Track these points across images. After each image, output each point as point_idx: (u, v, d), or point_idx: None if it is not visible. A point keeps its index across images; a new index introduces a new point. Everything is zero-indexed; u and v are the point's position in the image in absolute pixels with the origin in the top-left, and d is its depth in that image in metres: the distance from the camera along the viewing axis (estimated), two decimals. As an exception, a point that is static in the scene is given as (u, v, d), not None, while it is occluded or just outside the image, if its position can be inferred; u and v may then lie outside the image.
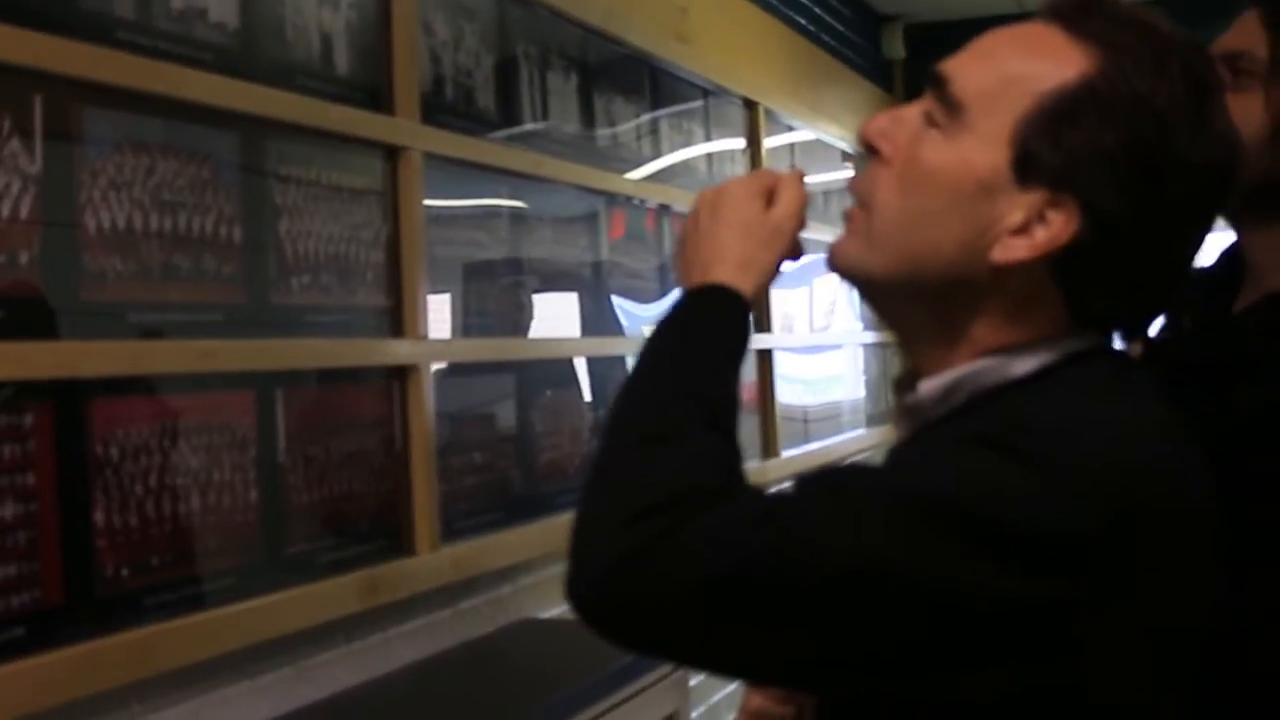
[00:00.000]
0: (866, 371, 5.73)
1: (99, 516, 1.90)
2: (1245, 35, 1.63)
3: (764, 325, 4.42)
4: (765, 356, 4.43)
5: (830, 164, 5.38)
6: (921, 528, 1.00)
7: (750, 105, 4.42)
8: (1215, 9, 1.75)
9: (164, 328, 2.03)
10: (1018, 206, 1.11)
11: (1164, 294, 1.21)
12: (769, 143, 4.52)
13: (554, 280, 3.23)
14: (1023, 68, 1.13)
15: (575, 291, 3.34)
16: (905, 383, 1.25)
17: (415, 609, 2.59)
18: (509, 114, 3.00)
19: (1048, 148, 1.11)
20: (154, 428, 2.00)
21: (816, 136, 5.14)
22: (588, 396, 3.27)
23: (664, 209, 3.78)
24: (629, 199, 3.58)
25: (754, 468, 4.25)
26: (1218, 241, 1.77)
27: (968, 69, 1.16)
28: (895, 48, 6.31)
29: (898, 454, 1.15)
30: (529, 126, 3.08)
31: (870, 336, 5.69)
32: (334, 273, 2.39)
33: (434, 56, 2.73)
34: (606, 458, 1.11)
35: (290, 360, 2.25)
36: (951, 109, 1.14)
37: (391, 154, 2.54)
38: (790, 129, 4.87)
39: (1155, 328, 1.82)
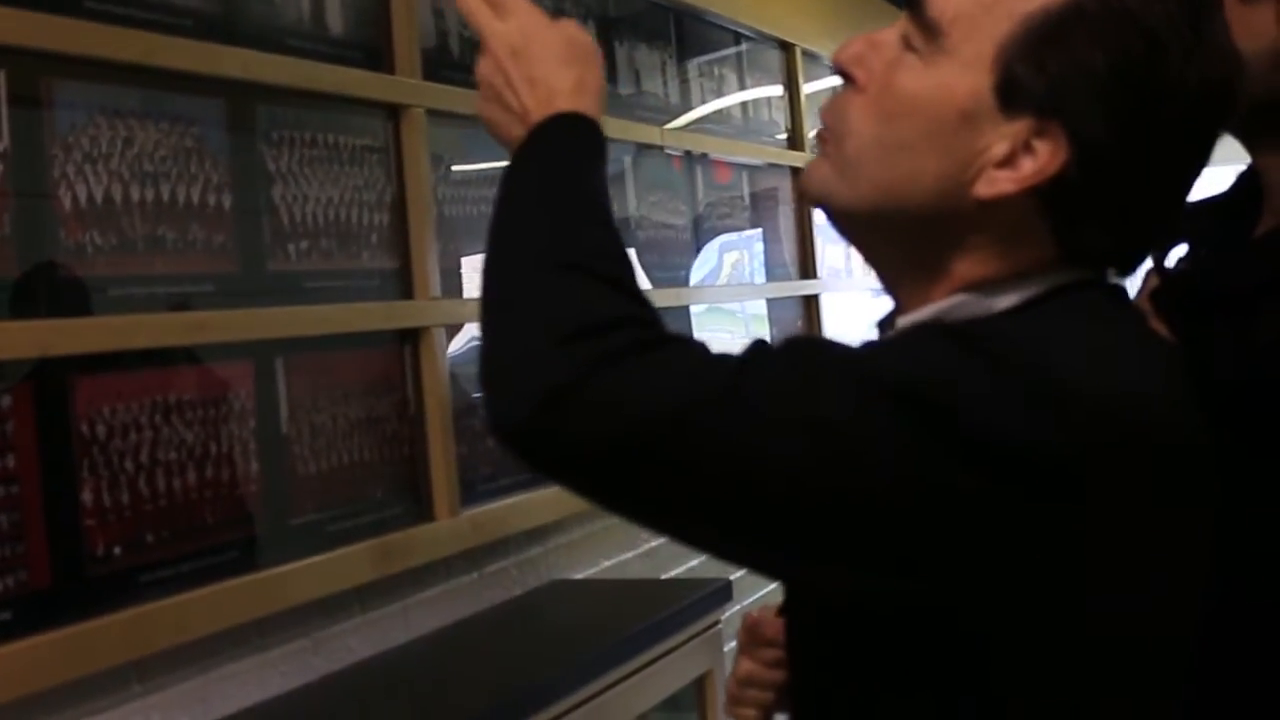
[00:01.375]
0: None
1: (87, 496, 1.87)
2: None
3: (810, 271, 4.34)
4: (812, 302, 4.34)
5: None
6: (879, 404, 0.94)
7: (786, 48, 4.32)
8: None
9: (150, 301, 1.99)
10: (1002, 136, 1.03)
11: (1161, 225, 1.13)
12: (809, 88, 4.42)
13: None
14: None
15: (628, 247, 3.27)
16: (886, 324, 1.18)
17: (436, 575, 2.56)
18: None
19: (1032, 72, 1.02)
20: (143, 403, 1.97)
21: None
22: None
23: (694, 158, 3.70)
24: (661, 149, 3.51)
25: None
26: (1232, 168, 1.69)
27: None
28: (944, -19, 6.15)
29: (868, 344, 1.07)
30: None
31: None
32: (335, 237, 2.34)
33: (436, 11, 2.67)
34: (513, 286, 1.06)
35: (288, 328, 2.21)
36: (929, 32, 1.06)
37: (393, 113, 2.49)
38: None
39: (1173, 259, 1.74)
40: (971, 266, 1.08)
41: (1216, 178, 1.71)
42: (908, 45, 1.08)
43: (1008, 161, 1.04)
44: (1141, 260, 1.16)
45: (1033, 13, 1.02)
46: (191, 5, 2.10)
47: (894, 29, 1.10)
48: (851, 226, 1.15)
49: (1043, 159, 1.02)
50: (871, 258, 1.16)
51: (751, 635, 1.39)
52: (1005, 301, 1.06)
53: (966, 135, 1.04)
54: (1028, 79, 1.03)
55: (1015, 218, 1.05)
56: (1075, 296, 1.07)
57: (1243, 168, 1.66)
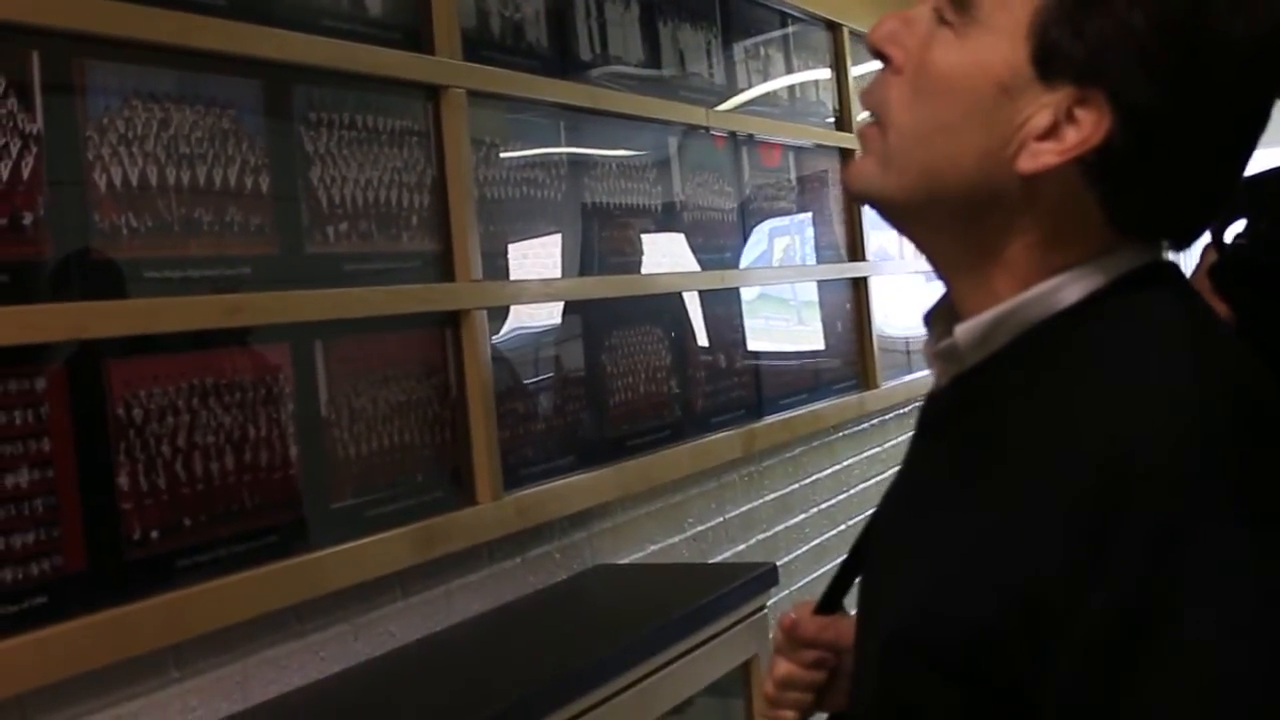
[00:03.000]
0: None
1: (123, 480, 1.87)
2: None
3: (859, 254, 4.30)
4: (861, 285, 4.30)
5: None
6: None
7: (834, 28, 4.28)
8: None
9: (186, 284, 1.98)
10: (1043, 107, 0.99)
11: (1216, 192, 1.06)
12: (856, 69, 4.37)
13: (656, 220, 3.17)
14: None
15: (674, 230, 3.27)
16: (939, 320, 1.13)
17: (479, 560, 2.54)
18: (564, 49, 2.91)
19: (1070, 38, 0.97)
20: (180, 386, 1.95)
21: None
22: (664, 335, 3.18)
23: (740, 140, 3.67)
24: (707, 130, 3.48)
25: (853, 400, 4.15)
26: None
27: None
28: (997, -40, 6.08)
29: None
30: (586, 60, 2.99)
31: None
32: (374, 219, 2.32)
33: (477, -9, 2.65)
34: None
35: (326, 311, 2.19)
36: (961, 4, 1.02)
37: (433, 94, 2.47)
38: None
39: (1232, 233, 1.71)
40: (1027, 254, 1.03)
41: (1266, 157, 1.67)
42: (941, 19, 1.03)
43: (1050, 133, 0.99)
44: (1198, 231, 1.11)
45: None
46: (227, -14, 2.08)
47: (927, 2, 1.06)
48: (902, 218, 1.10)
49: (1086, 128, 0.97)
50: (926, 249, 1.11)
51: (790, 636, 1.36)
52: (1069, 295, 1.01)
53: (1006, 109, 1.00)
54: (1066, 45, 0.97)
55: (1064, 195, 1.00)
56: (1145, 298, 1.01)
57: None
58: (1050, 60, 0.98)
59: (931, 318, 1.14)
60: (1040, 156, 0.99)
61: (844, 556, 1.32)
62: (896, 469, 1.17)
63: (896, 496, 1.17)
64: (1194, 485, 0.88)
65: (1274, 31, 0.98)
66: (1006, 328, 1.02)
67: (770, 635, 2.73)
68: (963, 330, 1.05)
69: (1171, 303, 1.03)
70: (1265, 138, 1.58)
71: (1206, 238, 1.68)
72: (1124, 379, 0.95)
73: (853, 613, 1.22)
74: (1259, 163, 1.70)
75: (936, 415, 1.13)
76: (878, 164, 1.07)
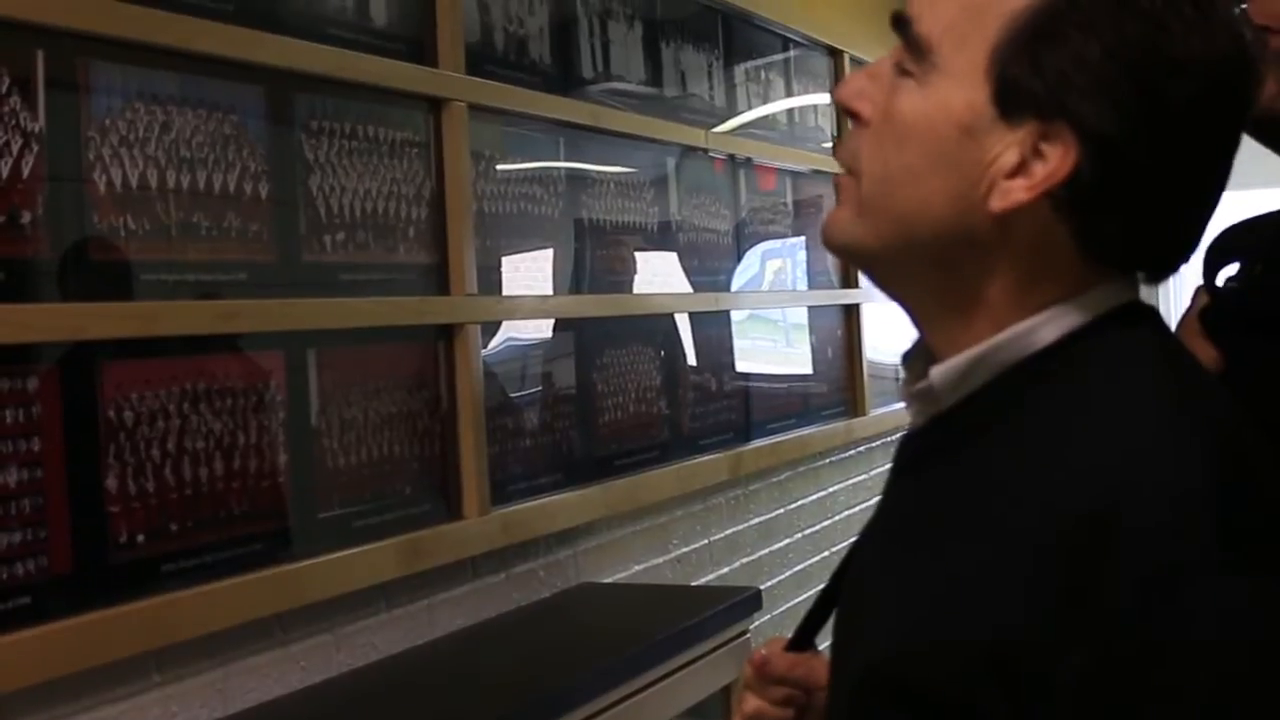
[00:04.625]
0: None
1: (111, 483, 1.86)
2: None
3: (852, 280, 4.30)
4: (853, 312, 4.30)
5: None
6: None
7: (835, 54, 4.29)
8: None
9: (183, 288, 1.98)
10: (1008, 145, 0.98)
11: (1190, 222, 1.05)
12: (857, 94, 4.36)
13: (652, 240, 3.17)
14: None
15: (668, 250, 3.27)
16: (916, 360, 1.13)
17: (463, 574, 2.53)
18: (566, 65, 2.92)
19: (1029, 74, 0.97)
20: (172, 391, 1.95)
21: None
22: (655, 356, 3.18)
23: (738, 162, 3.68)
24: (705, 152, 3.48)
25: (840, 427, 4.15)
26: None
27: (930, 4, 1.02)
28: (998, -8, 6.09)
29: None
30: (588, 77, 2.99)
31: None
32: (372, 230, 2.32)
33: (481, 4, 2.65)
34: None
35: (321, 320, 2.19)
36: (919, 52, 1.01)
37: (434, 106, 2.47)
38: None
39: (1223, 276, 1.70)
40: (1003, 294, 1.03)
41: (1271, 198, 1.67)
42: (902, 70, 1.03)
43: (1019, 170, 0.99)
44: (1173, 262, 1.10)
45: (1019, 10, 0.98)
46: (234, -9, 2.08)
47: (889, 57, 1.06)
48: (879, 268, 1.10)
49: (1053, 162, 0.97)
50: (903, 300, 1.11)
51: (759, 673, 1.35)
52: (1045, 335, 1.01)
53: (971, 150, 1.00)
54: (1025, 81, 0.98)
55: (1036, 230, 1.00)
56: (1117, 338, 1.01)
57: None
58: (1011, 98, 0.99)
59: (909, 358, 1.14)
60: (1010, 194, 0.99)
61: (819, 593, 1.31)
62: (877, 502, 1.17)
63: (872, 535, 1.16)
64: (1180, 537, 0.88)
65: (1233, 54, 0.99)
66: (984, 369, 1.03)
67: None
68: (938, 372, 1.05)
69: (1150, 344, 1.03)
70: (1261, 178, 1.59)
71: (1199, 280, 1.68)
72: (1106, 427, 0.95)
73: (825, 651, 1.22)
74: (1255, 206, 1.71)
75: (913, 455, 1.12)
76: (852, 212, 1.07)
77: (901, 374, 1.15)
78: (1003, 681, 0.89)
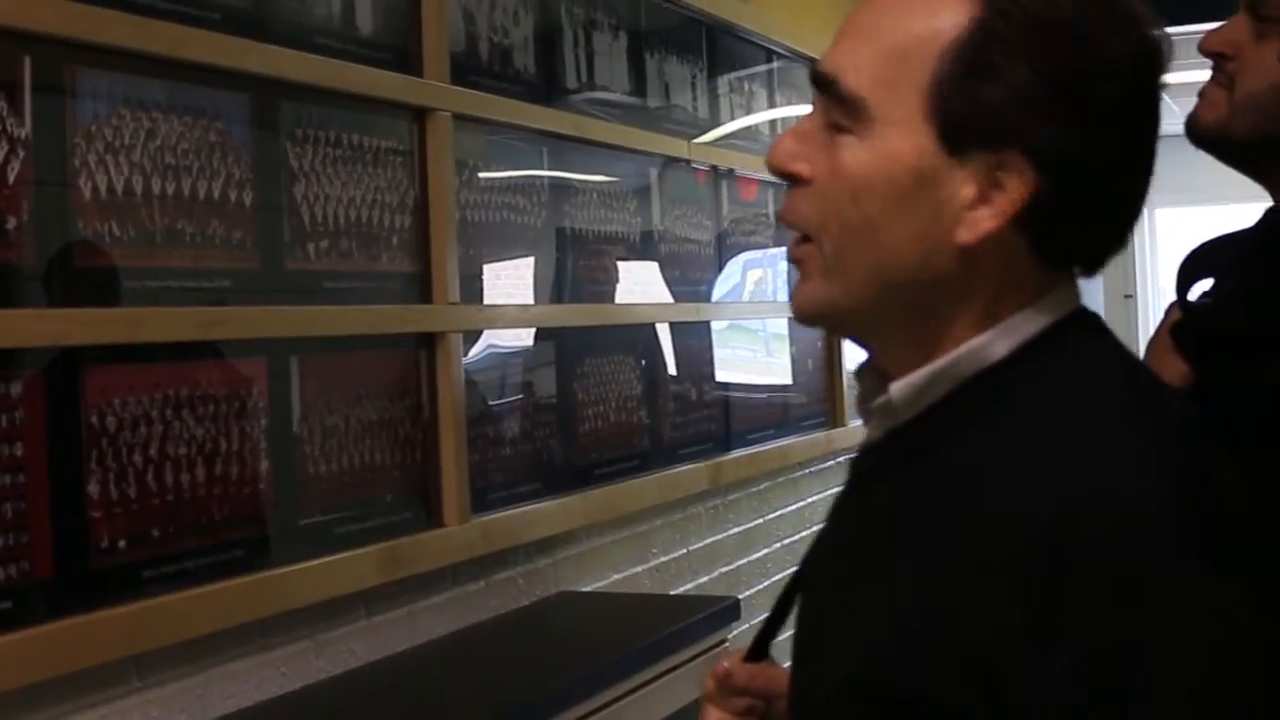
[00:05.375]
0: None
1: (94, 488, 1.86)
2: None
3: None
4: (833, 324, 4.32)
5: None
6: None
7: (818, 66, 4.30)
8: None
9: (167, 294, 1.99)
10: (964, 180, 1.01)
11: (1132, 212, 1.08)
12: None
13: (634, 250, 3.18)
14: (906, 34, 1.01)
15: (650, 260, 3.29)
16: (868, 373, 1.14)
17: (443, 582, 2.54)
18: (550, 76, 2.93)
19: (968, 109, 1.00)
20: (155, 397, 1.96)
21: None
22: (635, 365, 3.20)
23: (720, 173, 3.69)
24: (688, 163, 3.50)
25: (820, 437, 4.17)
26: (1259, 206, 1.68)
27: (850, 57, 1.04)
28: (980, 6, 6.13)
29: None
30: (571, 87, 3.01)
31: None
32: (355, 238, 2.33)
33: (467, 14, 2.66)
34: None
35: (304, 328, 2.20)
36: (851, 108, 1.03)
37: (419, 116, 2.48)
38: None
39: (1196, 292, 1.73)
40: (970, 314, 1.05)
41: (1238, 215, 1.69)
42: (837, 128, 1.04)
43: (980, 201, 1.01)
44: (1114, 251, 1.13)
45: (943, 50, 1.00)
46: (220, -1, 2.09)
47: (814, 115, 1.07)
48: (855, 325, 1.12)
49: (1012, 189, 1.00)
50: (872, 341, 1.13)
51: (723, 684, 1.35)
52: (1000, 347, 1.04)
53: (928, 191, 1.01)
54: (966, 117, 1.00)
55: (1000, 251, 1.02)
56: (1070, 346, 1.04)
57: (1269, 205, 1.65)
58: (956, 136, 1.01)
59: (862, 372, 1.15)
60: (979, 224, 1.01)
61: (773, 606, 1.33)
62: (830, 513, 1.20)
63: (830, 547, 1.18)
64: (1144, 539, 0.91)
65: (1143, 43, 1.03)
66: (943, 382, 1.05)
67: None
68: (898, 388, 1.06)
69: (1103, 351, 1.07)
70: (1235, 193, 1.61)
71: (1172, 296, 1.70)
72: (1070, 433, 0.97)
73: (784, 662, 1.24)
74: (1226, 224, 1.73)
75: (870, 468, 1.14)
76: (822, 278, 1.08)
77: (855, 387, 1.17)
78: (982, 680, 0.91)
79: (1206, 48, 1.57)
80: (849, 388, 4.36)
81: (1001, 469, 0.98)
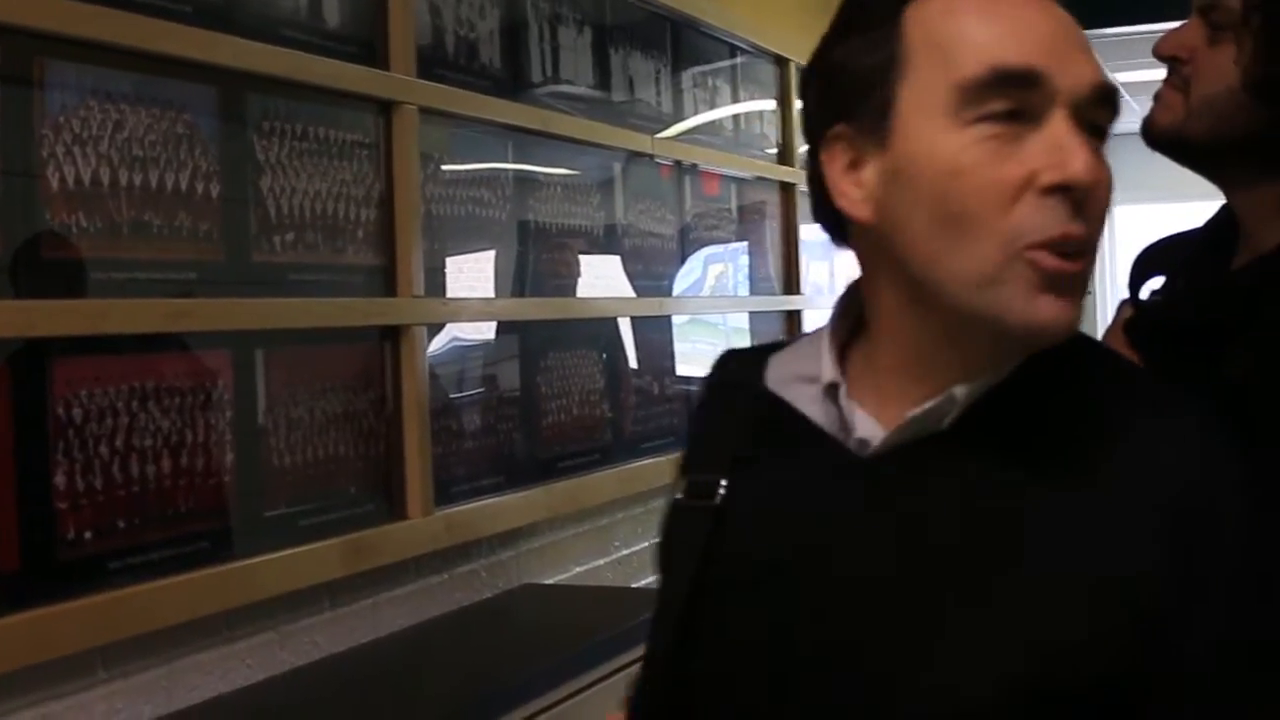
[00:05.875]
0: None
1: (60, 480, 1.87)
2: None
3: (794, 287, 4.35)
4: (794, 318, 4.35)
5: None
6: None
7: (781, 63, 4.33)
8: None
9: (133, 286, 1.99)
10: None
11: None
12: (801, 103, 4.41)
13: (597, 244, 3.20)
14: None
15: (613, 254, 3.30)
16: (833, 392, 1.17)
17: (407, 574, 2.55)
18: (515, 70, 2.94)
19: None
20: (121, 389, 1.96)
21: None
22: (598, 359, 3.21)
23: (684, 168, 3.71)
24: (651, 157, 3.51)
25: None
26: (1210, 204, 1.70)
27: None
28: (942, 3, 6.16)
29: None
30: (536, 81, 3.02)
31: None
32: (321, 230, 2.34)
33: (433, 8, 2.67)
34: None
35: (269, 320, 2.21)
36: None
37: (385, 109, 2.49)
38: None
39: (1148, 289, 1.75)
40: None
41: (1195, 212, 1.72)
42: None
43: None
44: None
45: None
46: (189, -9, 2.09)
47: None
48: None
49: None
50: None
51: None
52: None
53: None
54: None
55: None
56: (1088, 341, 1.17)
57: (1222, 203, 1.68)
58: None
59: (835, 394, 1.15)
60: None
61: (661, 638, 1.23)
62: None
63: (860, 562, 1.11)
64: (1253, 507, 1.03)
65: None
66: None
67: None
68: (964, 390, 1.09)
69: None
70: (1194, 191, 1.64)
71: (1124, 293, 1.73)
72: (1165, 405, 1.09)
73: None
74: (1185, 221, 1.76)
75: (911, 471, 1.11)
76: None
77: (830, 410, 1.15)
78: (1160, 645, 0.99)
79: (1161, 51, 1.60)
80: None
81: (1122, 439, 1.05)
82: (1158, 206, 7.37)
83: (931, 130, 1.03)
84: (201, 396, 2.09)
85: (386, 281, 2.49)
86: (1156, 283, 1.74)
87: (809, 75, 1.15)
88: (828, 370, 1.15)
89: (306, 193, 2.31)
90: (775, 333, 4.24)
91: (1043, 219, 1.01)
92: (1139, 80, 1.49)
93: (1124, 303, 1.73)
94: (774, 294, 4.27)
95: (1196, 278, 1.68)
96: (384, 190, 2.48)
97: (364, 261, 2.44)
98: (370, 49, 2.48)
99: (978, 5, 1.06)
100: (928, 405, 1.10)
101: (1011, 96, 1.02)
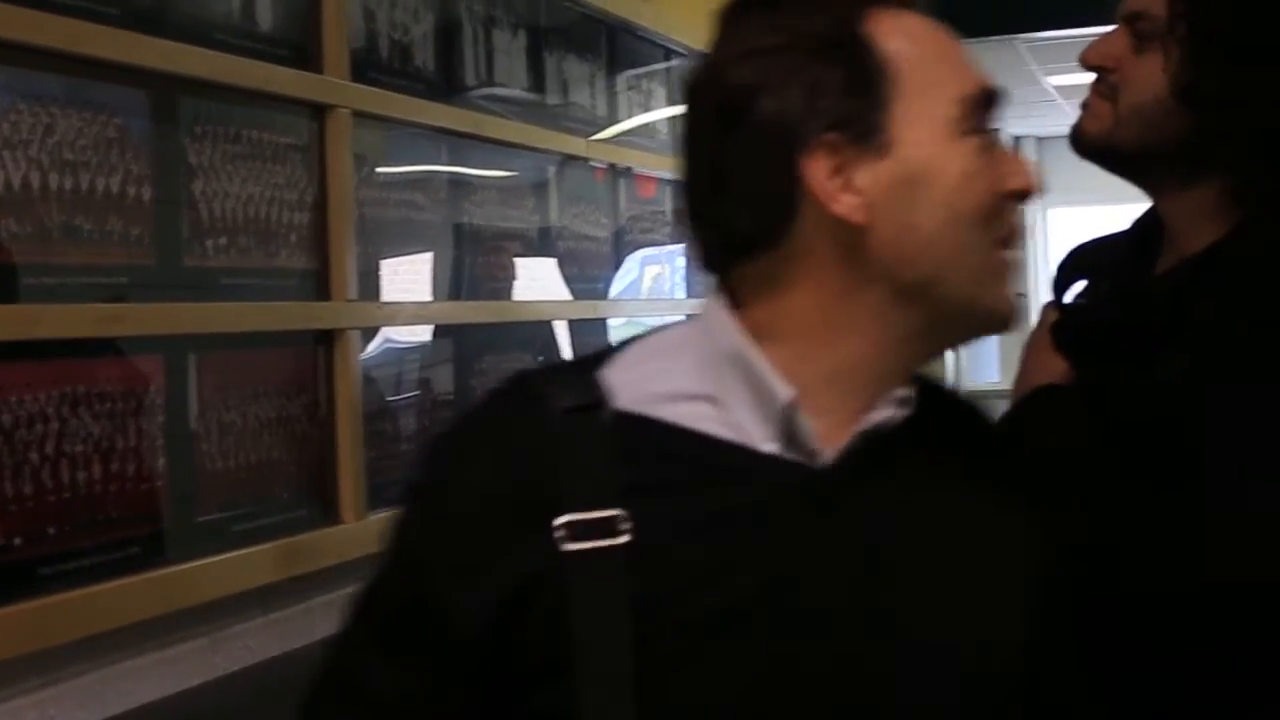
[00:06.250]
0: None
1: (-12, 485, 1.86)
2: None
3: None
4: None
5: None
6: None
7: (715, 65, 4.34)
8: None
9: (63, 291, 1.98)
10: None
11: None
12: (736, 104, 4.44)
13: (532, 247, 3.20)
14: None
15: (548, 257, 3.31)
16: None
17: (341, 578, 2.54)
18: (450, 73, 2.94)
19: None
20: (51, 394, 1.95)
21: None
22: (534, 362, 3.22)
23: (618, 171, 3.72)
24: (586, 160, 3.52)
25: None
26: (1136, 206, 1.73)
27: None
28: (875, 6, 6.21)
29: None
30: (471, 85, 3.02)
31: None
32: (254, 234, 2.33)
33: (367, 12, 2.67)
34: None
35: (202, 325, 2.20)
36: None
37: (318, 112, 2.49)
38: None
39: (1073, 292, 1.79)
40: None
41: (1128, 214, 1.76)
42: None
43: None
44: None
45: None
46: (120, -6, 2.08)
47: None
48: None
49: None
50: None
51: None
52: None
53: None
54: None
55: None
56: None
57: (1147, 206, 1.71)
58: None
59: (791, 417, 1.16)
60: None
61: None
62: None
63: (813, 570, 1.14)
64: None
65: None
66: None
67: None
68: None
69: None
70: (1127, 194, 1.67)
71: (1045, 297, 1.76)
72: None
73: None
74: (1118, 223, 1.79)
75: (869, 480, 1.17)
76: None
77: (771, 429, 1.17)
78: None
79: (1088, 61, 1.62)
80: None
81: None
82: (1092, 209, 7.47)
83: (938, 140, 1.14)
84: (133, 401, 2.08)
85: (320, 285, 2.48)
86: (1080, 286, 1.77)
87: (745, 88, 1.16)
88: (780, 386, 1.15)
89: (239, 196, 2.30)
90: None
91: (1010, 219, 1.19)
92: (1071, 84, 1.52)
93: (1048, 305, 1.76)
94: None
95: (1122, 281, 1.71)
96: (317, 194, 2.48)
97: (297, 265, 2.44)
98: (303, 52, 2.47)
99: (932, 33, 1.18)
100: (884, 412, 1.14)
101: (988, 113, 1.17)
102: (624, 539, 1.09)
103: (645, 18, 3.83)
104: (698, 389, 1.17)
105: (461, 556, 1.14)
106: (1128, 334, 1.60)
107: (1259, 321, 1.46)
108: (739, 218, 1.18)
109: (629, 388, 1.18)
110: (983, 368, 7.64)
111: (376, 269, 2.68)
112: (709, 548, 1.12)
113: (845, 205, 1.12)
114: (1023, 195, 1.18)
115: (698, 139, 1.22)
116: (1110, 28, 1.62)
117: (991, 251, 1.18)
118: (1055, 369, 1.65)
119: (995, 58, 7.19)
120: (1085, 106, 1.63)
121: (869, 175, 1.13)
